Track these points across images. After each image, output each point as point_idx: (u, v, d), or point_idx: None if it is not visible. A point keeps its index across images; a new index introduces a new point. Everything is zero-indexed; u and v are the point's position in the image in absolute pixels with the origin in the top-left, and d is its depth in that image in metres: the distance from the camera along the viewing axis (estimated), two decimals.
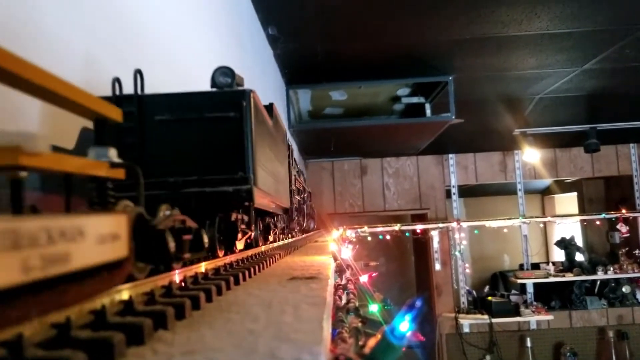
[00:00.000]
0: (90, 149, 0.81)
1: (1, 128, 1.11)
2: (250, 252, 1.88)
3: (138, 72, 1.35)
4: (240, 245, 1.56)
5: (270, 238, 2.25)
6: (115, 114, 0.80)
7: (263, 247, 2.18)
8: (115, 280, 0.73)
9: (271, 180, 1.71)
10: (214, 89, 1.34)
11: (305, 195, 4.27)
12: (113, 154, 0.82)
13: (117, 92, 1.32)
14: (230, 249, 1.50)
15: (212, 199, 1.28)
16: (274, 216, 2.23)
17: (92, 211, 0.75)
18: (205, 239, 1.12)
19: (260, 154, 1.42)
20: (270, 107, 1.79)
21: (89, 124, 0.84)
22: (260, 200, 1.42)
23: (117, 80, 1.31)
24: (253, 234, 1.68)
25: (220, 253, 1.44)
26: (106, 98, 0.93)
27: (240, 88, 1.34)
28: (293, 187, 2.87)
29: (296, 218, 3.23)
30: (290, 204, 2.68)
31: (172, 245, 0.90)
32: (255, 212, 1.66)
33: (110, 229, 0.67)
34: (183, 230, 1.00)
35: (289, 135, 6.26)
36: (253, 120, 1.32)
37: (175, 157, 1.31)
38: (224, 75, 1.31)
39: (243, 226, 1.53)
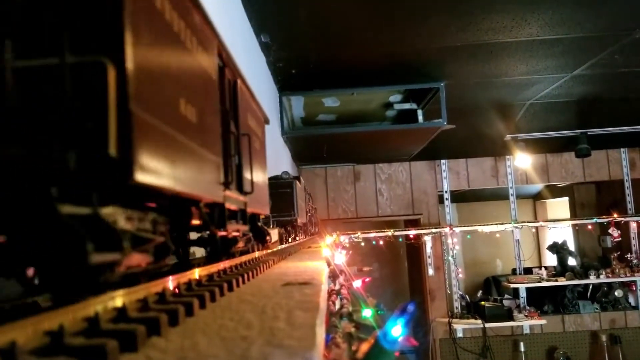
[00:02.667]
0: None
1: None
2: (244, 258, 1.89)
3: None
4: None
5: (298, 238, 4.34)
6: None
7: (257, 252, 2.19)
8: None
9: (303, 213, 4.39)
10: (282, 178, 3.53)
11: (313, 211, 6.84)
12: None
13: None
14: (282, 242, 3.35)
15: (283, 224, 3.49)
16: (300, 226, 4.44)
17: None
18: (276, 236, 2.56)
19: (300, 204, 3.83)
20: (298, 177, 3.83)
21: None
22: (300, 221, 3.92)
23: None
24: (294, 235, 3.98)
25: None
26: None
27: (289, 178, 3.54)
28: (308, 211, 5.38)
29: (308, 226, 5.46)
30: (306, 219, 4.91)
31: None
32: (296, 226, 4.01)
33: None
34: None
35: (282, 143, 6.26)
36: (297, 193, 3.57)
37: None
38: (285, 174, 3.59)
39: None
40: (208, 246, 1.47)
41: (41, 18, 0.71)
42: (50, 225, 0.69)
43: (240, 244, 1.66)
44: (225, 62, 1.66)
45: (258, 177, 2.08)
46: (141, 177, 0.77)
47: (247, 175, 1.83)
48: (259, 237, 2.11)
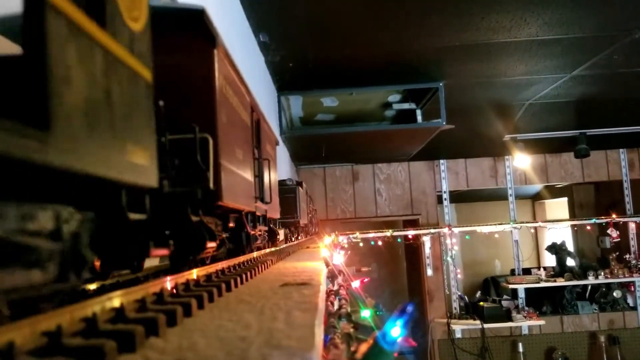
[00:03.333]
0: None
1: None
2: (242, 259, 1.88)
3: None
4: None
5: (300, 237, 4.86)
6: None
7: (255, 253, 2.19)
8: None
9: (305, 215, 5.16)
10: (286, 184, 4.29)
11: (313, 212, 7.67)
12: None
13: None
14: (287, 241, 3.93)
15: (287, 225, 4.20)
16: (302, 227, 5.03)
17: None
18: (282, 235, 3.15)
19: (302, 207, 4.70)
20: (300, 183, 4.56)
21: None
22: (302, 222, 4.74)
23: None
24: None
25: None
26: None
27: (293, 185, 4.37)
28: (309, 212, 5.97)
29: (309, 226, 6.17)
30: (307, 220, 5.56)
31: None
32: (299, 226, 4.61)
33: None
34: None
35: (280, 143, 6.27)
36: (300, 197, 4.40)
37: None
38: (289, 180, 4.41)
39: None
40: (242, 241, 2.08)
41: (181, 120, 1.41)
42: (187, 226, 1.34)
43: (259, 241, 2.36)
44: (253, 107, 2.36)
45: (273, 189, 2.95)
46: (225, 200, 1.58)
47: (267, 189, 2.55)
48: (271, 236, 2.89)
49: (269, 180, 2.65)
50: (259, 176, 2.37)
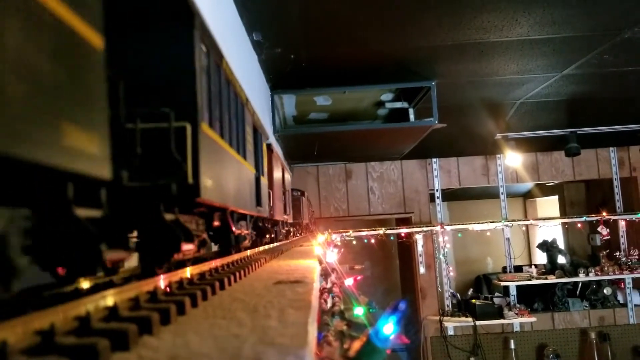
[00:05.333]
0: None
1: None
2: (236, 257, 1.88)
3: None
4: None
5: (303, 233, 6.35)
6: None
7: (249, 251, 2.19)
8: None
9: (307, 216, 7.02)
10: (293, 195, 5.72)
11: (312, 213, 8.73)
12: None
13: None
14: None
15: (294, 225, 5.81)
16: (304, 225, 6.63)
17: None
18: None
19: (304, 211, 6.56)
20: (303, 193, 6.23)
21: None
22: (304, 222, 6.79)
23: None
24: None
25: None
26: None
27: (299, 195, 6.11)
28: (309, 214, 7.37)
29: (309, 225, 7.62)
30: (308, 220, 7.19)
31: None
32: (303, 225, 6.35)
33: None
34: None
35: (274, 142, 6.26)
36: (303, 203, 6.37)
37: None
38: (295, 192, 5.99)
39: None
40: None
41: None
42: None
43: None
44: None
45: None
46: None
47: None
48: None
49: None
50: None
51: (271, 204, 3.21)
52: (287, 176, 4.43)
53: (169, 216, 1.26)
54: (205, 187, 1.38)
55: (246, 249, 2.36)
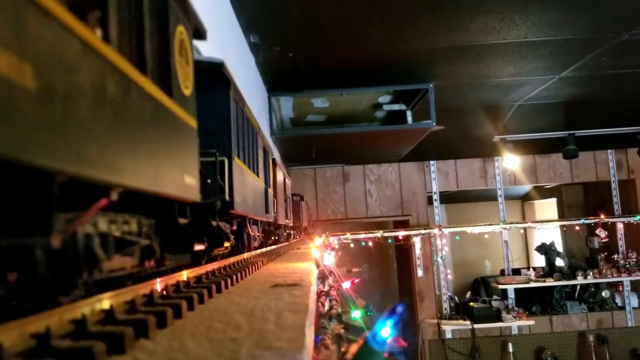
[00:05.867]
0: None
1: None
2: (232, 260, 1.88)
3: None
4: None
5: (302, 235, 6.99)
6: None
7: (246, 254, 2.19)
8: None
9: (305, 219, 7.81)
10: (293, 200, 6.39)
11: (310, 216, 9.33)
12: None
13: None
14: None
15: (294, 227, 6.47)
16: (303, 228, 7.26)
17: None
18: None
19: (304, 215, 7.49)
20: (302, 198, 7.03)
21: None
22: (304, 225, 7.53)
23: None
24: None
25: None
26: None
27: (299, 200, 6.82)
28: (308, 217, 8.23)
29: (308, 228, 8.26)
30: (307, 224, 8.03)
31: None
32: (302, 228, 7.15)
33: None
34: None
35: (271, 144, 6.27)
36: (303, 207, 7.21)
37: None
38: (295, 197, 6.49)
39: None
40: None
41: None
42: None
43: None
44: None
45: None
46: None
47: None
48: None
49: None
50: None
51: (275, 210, 3.88)
52: (288, 183, 5.26)
53: (214, 223, 1.77)
54: (237, 202, 2.02)
55: (256, 248, 2.82)
